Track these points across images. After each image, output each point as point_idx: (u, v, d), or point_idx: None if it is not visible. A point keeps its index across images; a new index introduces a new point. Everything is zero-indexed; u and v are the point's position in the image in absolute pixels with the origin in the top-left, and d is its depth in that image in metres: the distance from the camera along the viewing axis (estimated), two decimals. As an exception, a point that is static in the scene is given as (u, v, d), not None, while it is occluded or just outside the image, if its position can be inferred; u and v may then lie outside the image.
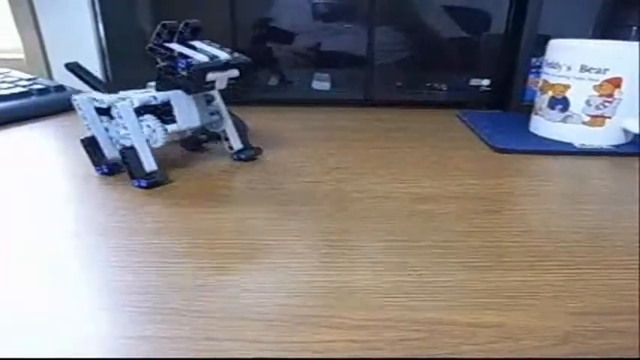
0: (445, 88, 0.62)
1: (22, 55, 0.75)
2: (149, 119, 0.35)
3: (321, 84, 0.62)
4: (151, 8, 0.61)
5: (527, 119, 0.51)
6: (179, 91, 0.36)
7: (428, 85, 0.62)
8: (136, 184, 0.34)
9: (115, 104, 0.34)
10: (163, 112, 0.36)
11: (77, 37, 0.72)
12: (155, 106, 0.35)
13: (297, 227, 0.29)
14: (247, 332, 0.20)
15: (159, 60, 0.36)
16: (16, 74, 0.63)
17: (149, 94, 0.35)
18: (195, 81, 0.34)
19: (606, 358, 0.19)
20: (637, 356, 0.19)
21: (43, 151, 0.45)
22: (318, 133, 0.51)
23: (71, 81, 0.63)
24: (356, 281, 0.23)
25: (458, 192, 0.35)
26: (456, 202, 0.33)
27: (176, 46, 0.35)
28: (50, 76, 0.76)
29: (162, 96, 0.35)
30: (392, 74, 0.62)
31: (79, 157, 0.38)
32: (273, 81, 0.62)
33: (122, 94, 0.36)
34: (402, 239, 0.28)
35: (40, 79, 0.63)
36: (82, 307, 0.21)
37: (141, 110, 0.35)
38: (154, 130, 0.35)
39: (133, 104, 0.34)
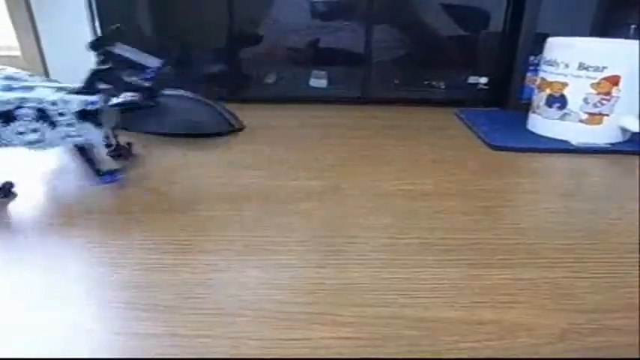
0: (443, 86, 0.62)
1: (18, 52, 0.74)
2: (86, 123, 0.33)
3: (318, 81, 0.61)
4: (148, 9, 0.61)
5: (525, 117, 0.51)
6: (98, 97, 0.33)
7: (426, 82, 0.62)
8: (109, 179, 0.33)
9: (62, 104, 0.32)
10: (95, 118, 0.33)
11: (74, 38, 0.72)
12: (88, 111, 0.33)
13: (293, 223, 0.29)
14: (239, 329, 0.20)
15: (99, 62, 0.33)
16: (13, 71, 0.63)
17: (82, 97, 0.32)
18: (160, 88, 0.33)
19: (604, 357, 0.19)
20: (637, 354, 0.19)
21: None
22: (316, 131, 0.51)
23: (68, 79, 0.64)
24: (352, 278, 0.23)
25: (455, 189, 0.35)
26: (453, 200, 0.33)
27: (126, 52, 0.33)
28: (47, 75, 0.76)
29: (98, 100, 0.32)
30: (390, 72, 0.62)
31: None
32: (271, 78, 0.62)
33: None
34: (398, 236, 0.28)
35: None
36: (73, 304, 0.21)
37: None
38: (91, 134, 0.33)
39: (75, 107, 0.32)
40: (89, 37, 0.61)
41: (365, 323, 0.20)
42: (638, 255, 0.26)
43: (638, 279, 0.24)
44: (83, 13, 0.60)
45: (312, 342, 0.19)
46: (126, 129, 0.48)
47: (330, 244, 0.27)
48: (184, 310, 0.21)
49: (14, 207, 0.31)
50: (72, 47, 0.72)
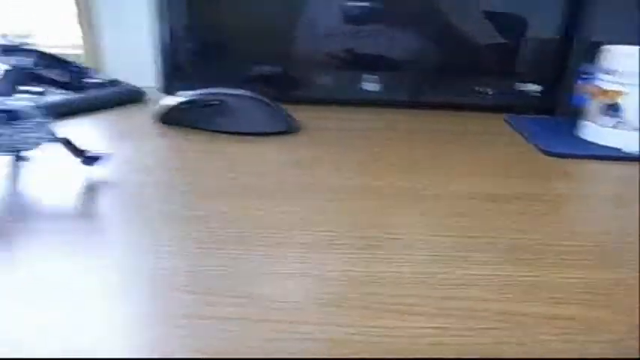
0: (493, 92, 0.62)
1: (79, 51, 0.78)
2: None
3: (370, 85, 0.63)
4: (210, 9, 0.63)
5: (576, 124, 0.51)
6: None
7: (476, 88, 0.63)
8: (100, 159, 0.36)
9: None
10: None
11: (134, 33, 0.75)
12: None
13: (357, 220, 0.31)
14: (327, 316, 0.21)
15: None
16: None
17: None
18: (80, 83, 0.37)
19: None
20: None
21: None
22: (369, 133, 0.52)
23: (124, 76, 0.67)
24: (429, 273, 0.25)
25: (511, 193, 0.36)
26: (511, 202, 0.34)
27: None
28: (105, 71, 0.80)
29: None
30: (440, 77, 0.63)
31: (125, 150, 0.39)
32: (323, 80, 0.63)
33: None
34: (468, 236, 0.29)
35: (96, 73, 0.66)
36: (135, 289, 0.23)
37: None
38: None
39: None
40: (147, 31, 0.64)
41: (449, 315, 0.22)
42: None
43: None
44: (144, 5, 0.63)
45: (399, 330, 0.21)
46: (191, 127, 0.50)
47: (392, 240, 0.28)
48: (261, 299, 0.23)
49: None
50: (130, 38, 0.75)
